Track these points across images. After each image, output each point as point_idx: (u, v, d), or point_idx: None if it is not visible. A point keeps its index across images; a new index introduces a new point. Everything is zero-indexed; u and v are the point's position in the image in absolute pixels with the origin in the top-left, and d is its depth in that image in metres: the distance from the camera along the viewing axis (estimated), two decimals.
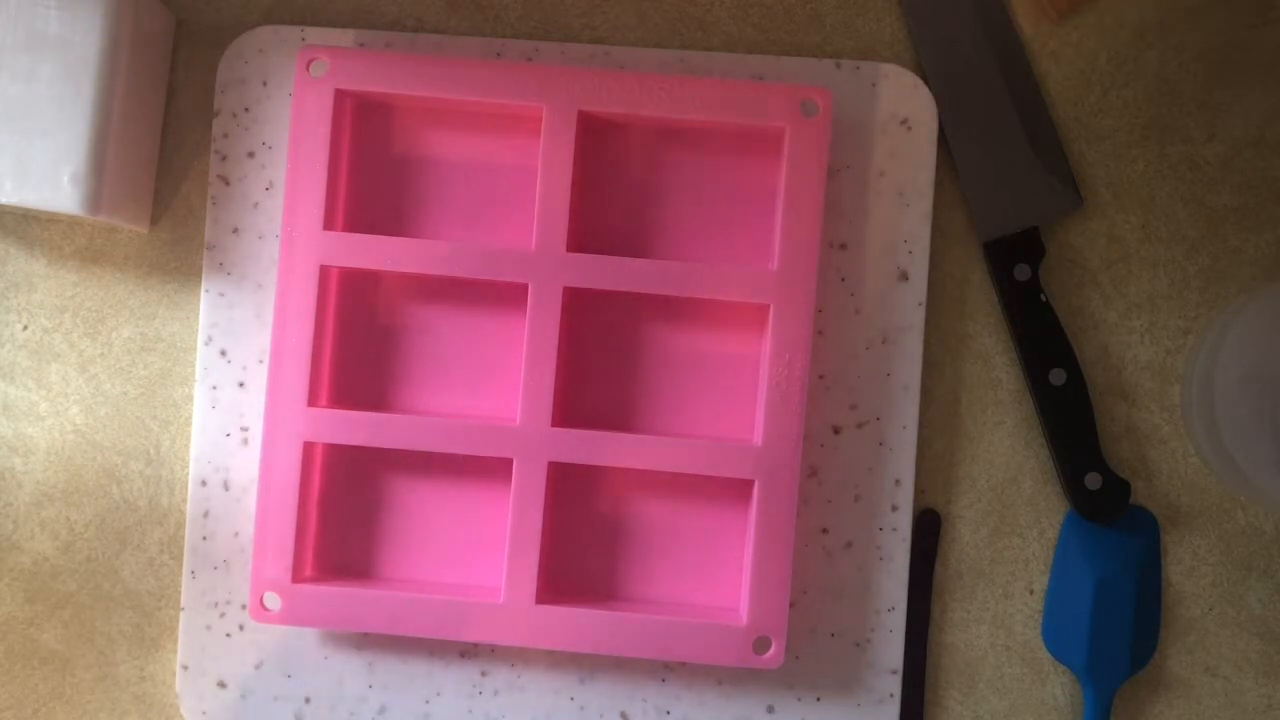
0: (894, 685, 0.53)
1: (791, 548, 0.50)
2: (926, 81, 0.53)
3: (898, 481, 0.53)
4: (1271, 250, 0.54)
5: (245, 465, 0.53)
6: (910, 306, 0.53)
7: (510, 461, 0.50)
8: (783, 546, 0.50)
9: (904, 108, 0.53)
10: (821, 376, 0.53)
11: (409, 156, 0.53)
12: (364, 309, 0.53)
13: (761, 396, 0.51)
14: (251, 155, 0.54)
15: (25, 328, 0.54)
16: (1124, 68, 0.54)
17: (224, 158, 0.54)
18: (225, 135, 0.54)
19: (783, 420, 0.50)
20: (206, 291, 0.54)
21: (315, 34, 0.54)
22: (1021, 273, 0.53)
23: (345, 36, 0.54)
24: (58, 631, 0.54)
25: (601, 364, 0.53)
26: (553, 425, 0.50)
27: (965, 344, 0.54)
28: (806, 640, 0.53)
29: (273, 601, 0.50)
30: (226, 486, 0.53)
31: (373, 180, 0.53)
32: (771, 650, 0.50)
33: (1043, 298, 0.53)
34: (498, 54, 0.54)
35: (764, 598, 0.50)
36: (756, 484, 0.50)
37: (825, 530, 0.53)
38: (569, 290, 0.50)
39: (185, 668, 0.53)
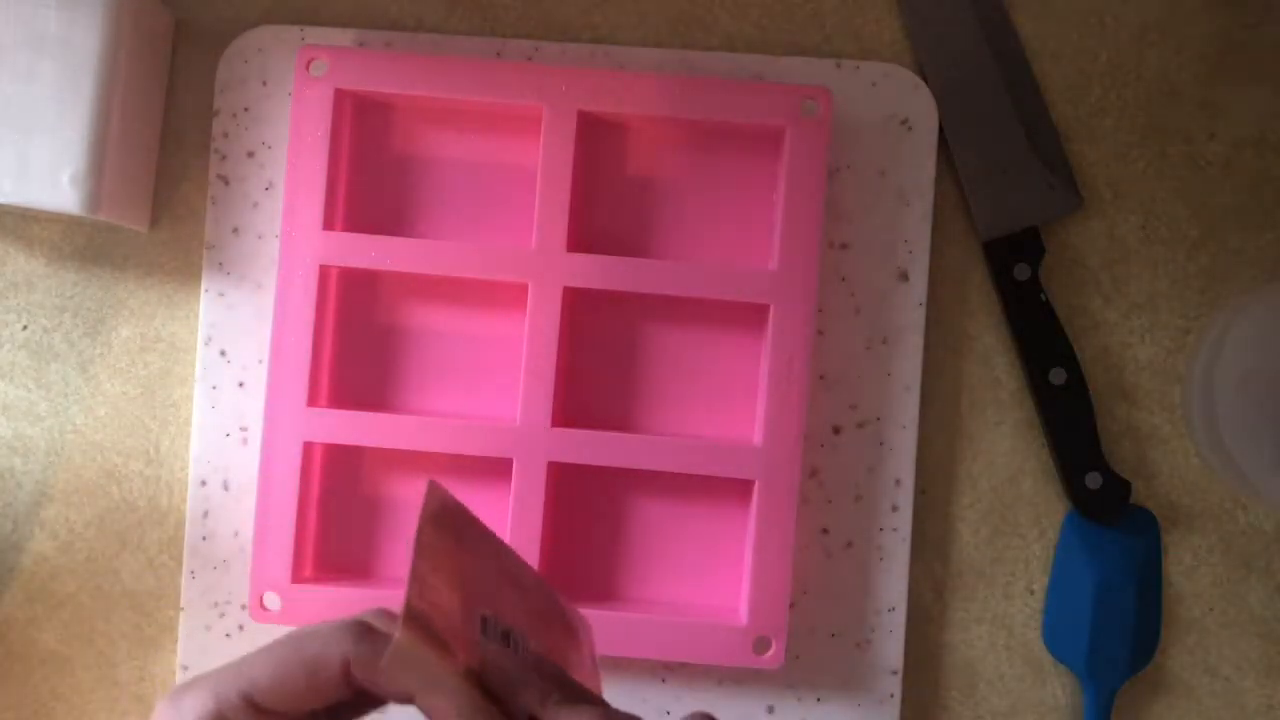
0: (894, 685, 0.53)
1: (791, 548, 0.50)
2: (926, 81, 0.53)
3: (898, 481, 0.53)
4: (1272, 250, 0.54)
5: (245, 465, 0.53)
6: (910, 306, 0.53)
7: (510, 461, 0.50)
8: (783, 546, 0.50)
9: (904, 108, 0.53)
10: (821, 376, 0.53)
11: (409, 156, 0.53)
12: (364, 309, 0.53)
13: (761, 396, 0.51)
14: (251, 155, 0.54)
15: (25, 328, 0.54)
16: (1124, 68, 0.54)
17: (224, 157, 0.54)
18: (225, 135, 0.54)
19: (783, 420, 0.50)
20: (206, 291, 0.54)
21: (315, 33, 0.54)
22: (1021, 272, 0.53)
23: (345, 36, 0.54)
24: (58, 631, 0.54)
25: (601, 364, 0.53)
26: (553, 425, 0.50)
27: (965, 344, 0.54)
28: (806, 640, 0.53)
29: (272, 601, 0.50)
30: (226, 486, 0.53)
31: (373, 180, 0.53)
32: (771, 650, 0.50)
33: (1043, 297, 0.53)
34: (498, 54, 0.54)
35: (764, 598, 0.50)
36: (756, 484, 0.50)
37: (825, 530, 0.53)
38: (569, 290, 0.50)
39: (185, 668, 0.53)
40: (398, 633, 0.31)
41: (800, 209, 0.50)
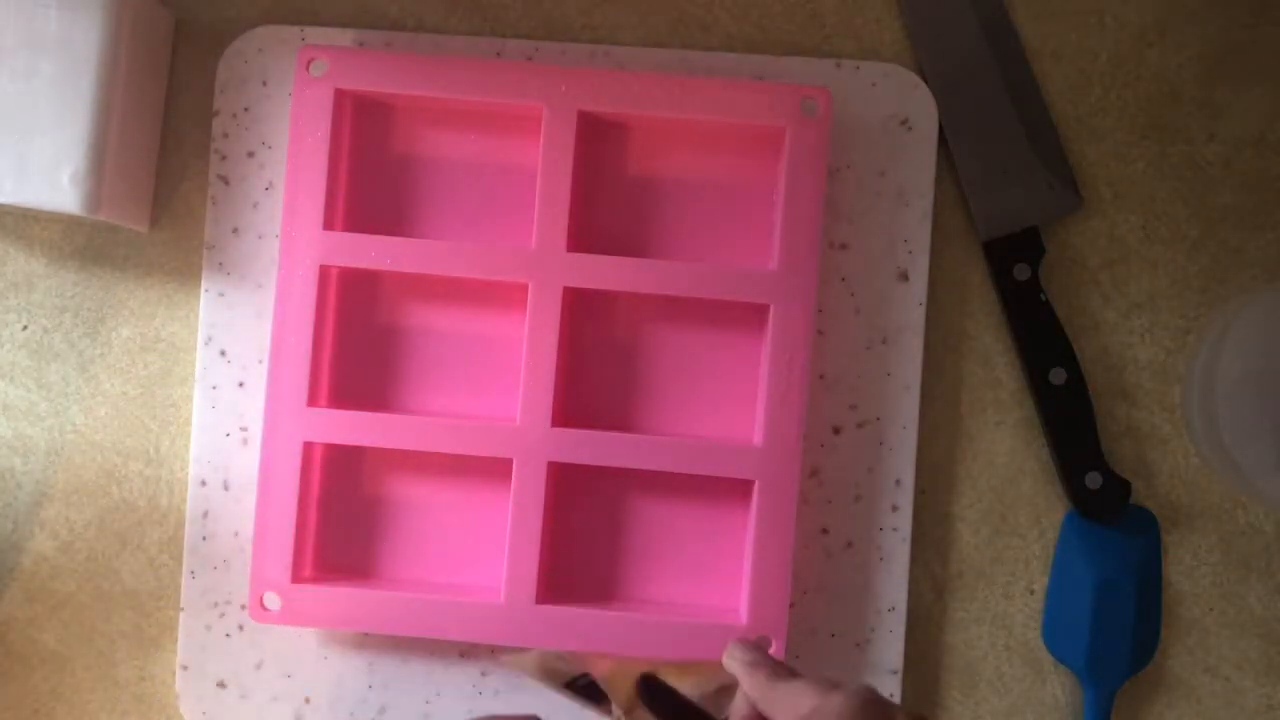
0: (894, 685, 0.53)
1: (791, 548, 0.50)
2: (926, 81, 0.53)
3: (898, 481, 0.53)
4: (1271, 250, 0.54)
5: (245, 465, 0.53)
6: (910, 306, 0.53)
7: (510, 461, 0.50)
8: (783, 546, 0.50)
9: (904, 108, 0.53)
10: (821, 376, 0.53)
11: (409, 156, 0.53)
12: (364, 309, 0.53)
13: (761, 396, 0.51)
14: (251, 155, 0.54)
15: (25, 328, 0.54)
16: (1124, 68, 0.54)
17: (224, 157, 0.54)
18: (225, 135, 0.54)
19: (783, 420, 0.50)
20: (206, 291, 0.54)
21: (315, 34, 0.54)
22: (1021, 272, 0.53)
23: (345, 36, 0.54)
24: (58, 631, 0.54)
25: (601, 364, 0.53)
26: (553, 425, 0.50)
27: (965, 344, 0.54)
28: (806, 640, 0.53)
29: (272, 601, 0.50)
30: (226, 486, 0.53)
31: (373, 180, 0.53)
32: (771, 650, 0.50)
33: (1043, 297, 0.53)
34: (498, 54, 0.54)
35: (764, 598, 0.50)
36: (756, 484, 0.50)
37: (825, 530, 0.53)
38: (569, 290, 0.50)
39: (185, 668, 0.53)
40: None
41: (800, 209, 0.50)
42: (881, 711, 0.35)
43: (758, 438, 0.51)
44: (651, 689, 0.37)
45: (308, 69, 0.51)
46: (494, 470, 0.52)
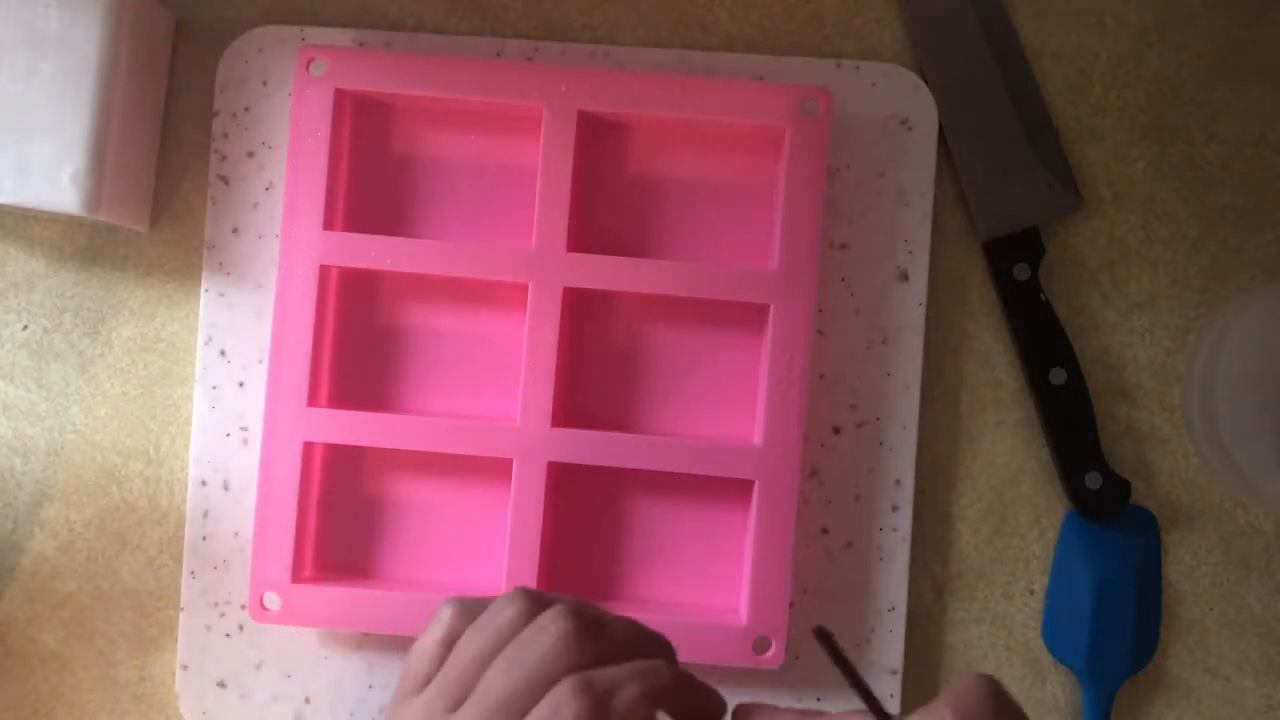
0: (894, 685, 0.53)
1: (791, 548, 0.50)
2: (926, 81, 0.53)
3: (898, 481, 0.53)
4: (1271, 250, 0.54)
5: (245, 465, 0.53)
6: (910, 306, 0.53)
7: (510, 461, 0.50)
8: (783, 546, 0.50)
9: (904, 108, 0.53)
10: (821, 376, 0.53)
11: (409, 156, 0.53)
12: (364, 309, 0.53)
13: (761, 396, 0.51)
14: (251, 155, 0.54)
15: (25, 328, 0.54)
16: (1124, 68, 0.54)
17: (224, 157, 0.54)
18: (225, 135, 0.54)
19: (783, 420, 0.50)
20: (206, 291, 0.54)
21: (315, 34, 0.54)
22: (1021, 272, 0.53)
23: (345, 36, 0.54)
24: (58, 631, 0.54)
25: (601, 364, 0.53)
26: (553, 425, 0.50)
27: (965, 344, 0.54)
28: (807, 640, 0.53)
29: (272, 601, 0.50)
30: (226, 486, 0.53)
31: (373, 180, 0.53)
32: (771, 650, 0.50)
33: (1043, 297, 0.53)
34: (498, 54, 0.54)
35: (764, 598, 0.50)
36: (756, 484, 0.50)
37: (825, 530, 0.53)
38: (569, 290, 0.50)
39: (185, 668, 0.53)
40: None
41: (800, 209, 0.50)
42: (1008, 702, 0.33)
43: (758, 438, 0.51)
44: (826, 638, 0.36)
45: (308, 69, 0.51)
46: (494, 470, 0.52)
